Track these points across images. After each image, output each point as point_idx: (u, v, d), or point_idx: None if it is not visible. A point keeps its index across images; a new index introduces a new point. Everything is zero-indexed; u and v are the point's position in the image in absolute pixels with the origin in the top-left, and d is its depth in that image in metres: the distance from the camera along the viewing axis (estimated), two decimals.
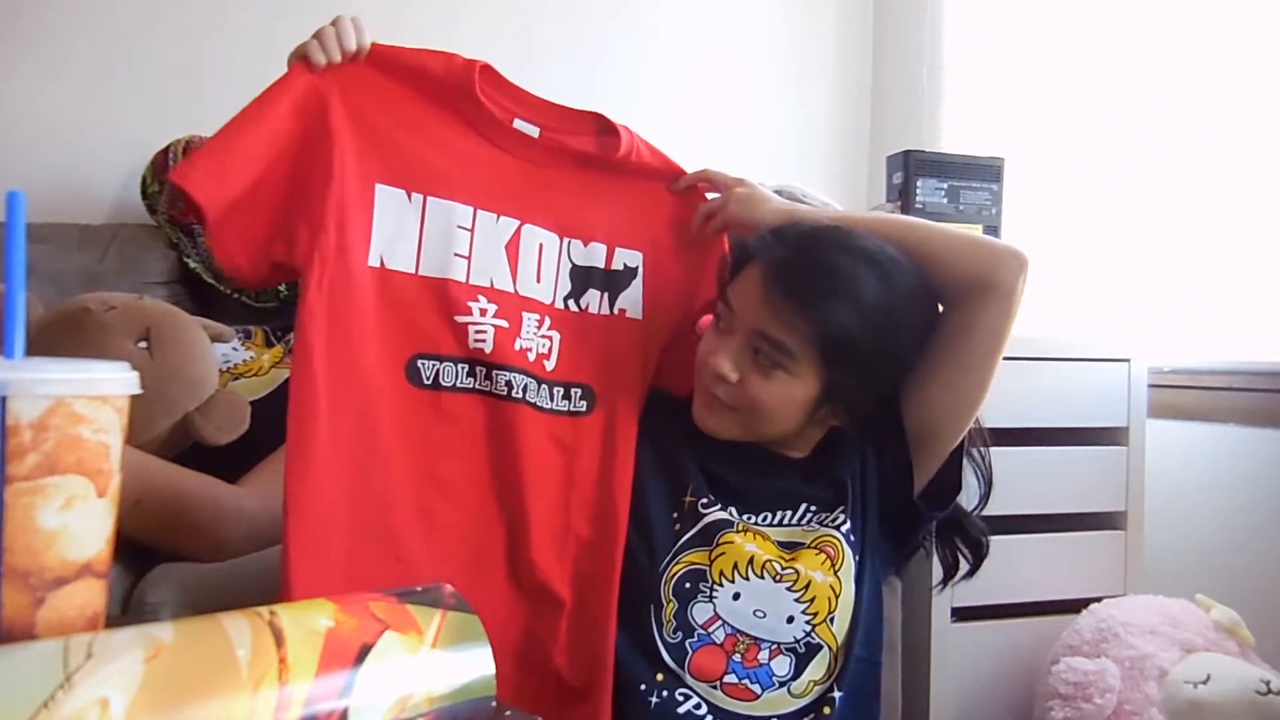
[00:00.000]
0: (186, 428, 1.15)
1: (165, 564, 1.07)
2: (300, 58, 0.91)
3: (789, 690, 0.92)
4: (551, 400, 0.99)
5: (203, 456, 1.15)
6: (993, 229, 1.64)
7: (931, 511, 1.03)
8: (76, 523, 0.43)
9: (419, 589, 0.51)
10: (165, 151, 1.63)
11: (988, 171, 1.67)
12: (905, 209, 1.61)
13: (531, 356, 0.98)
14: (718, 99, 2.26)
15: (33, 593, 0.42)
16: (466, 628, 0.50)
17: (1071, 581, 1.53)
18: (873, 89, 2.42)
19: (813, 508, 1.00)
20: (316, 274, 0.87)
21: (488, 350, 0.94)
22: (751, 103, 2.31)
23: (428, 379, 0.93)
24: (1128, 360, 1.59)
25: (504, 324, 0.96)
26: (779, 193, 1.15)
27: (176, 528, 1.08)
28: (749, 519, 0.99)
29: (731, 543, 0.96)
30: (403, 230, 0.93)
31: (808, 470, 1.03)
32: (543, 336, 0.99)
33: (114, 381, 0.45)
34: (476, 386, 0.95)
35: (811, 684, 0.93)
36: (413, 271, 0.93)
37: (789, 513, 1.00)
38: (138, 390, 0.46)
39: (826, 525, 0.98)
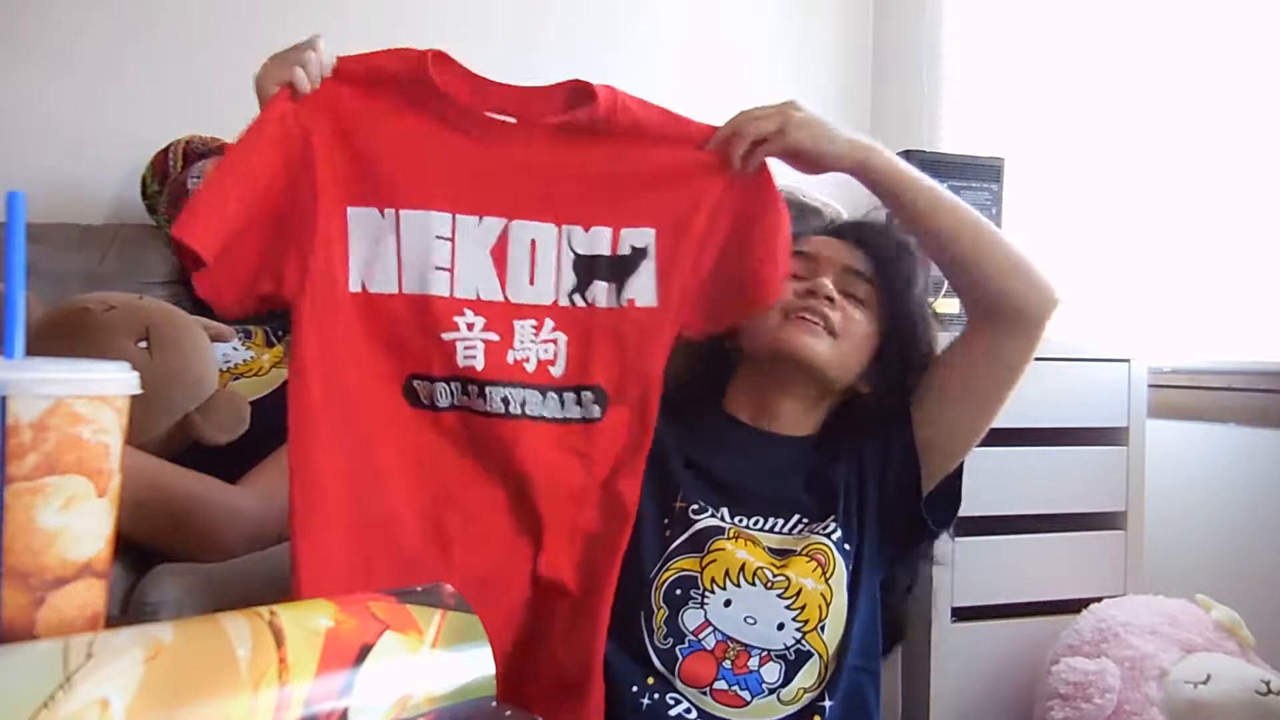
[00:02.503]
0: (186, 428, 1.15)
1: (165, 564, 1.07)
2: (285, 84, 0.88)
3: (778, 697, 0.92)
4: (562, 408, 0.94)
5: (203, 456, 1.15)
6: None
7: (935, 524, 1.04)
8: (76, 523, 0.43)
9: (419, 589, 0.51)
10: (165, 151, 1.63)
11: (988, 171, 1.66)
12: None
13: (530, 367, 0.93)
14: (718, 98, 2.25)
15: (33, 593, 0.42)
16: (466, 628, 0.50)
17: (1071, 581, 1.53)
18: (873, 89, 2.42)
19: (805, 519, 1.00)
20: (308, 304, 0.87)
21: (479, 367, 0.91)
22: (751, 103, 2.30)
23: (425, 400, 0.92)
24: (1128, 360, 1.59)
25: (494, 337, 0.92)
26: None
27: (177, 528, 1.08)
28: (740, 522, 0.99)
29: (723, 550, 0.96)
30: (381, 250, 0.90)
31: (805, 473, 1.03)
32: (544, 342, 0.94)
33: (114, 381, 0.45)
34: (470, 405, 0.92)
35: (801, 691, 0.92)
36: (396, 291, 0.91)
37: (781, 520, 1.00)
38: (138, 390, 0.46)
39: (817, 534, 0.98)
